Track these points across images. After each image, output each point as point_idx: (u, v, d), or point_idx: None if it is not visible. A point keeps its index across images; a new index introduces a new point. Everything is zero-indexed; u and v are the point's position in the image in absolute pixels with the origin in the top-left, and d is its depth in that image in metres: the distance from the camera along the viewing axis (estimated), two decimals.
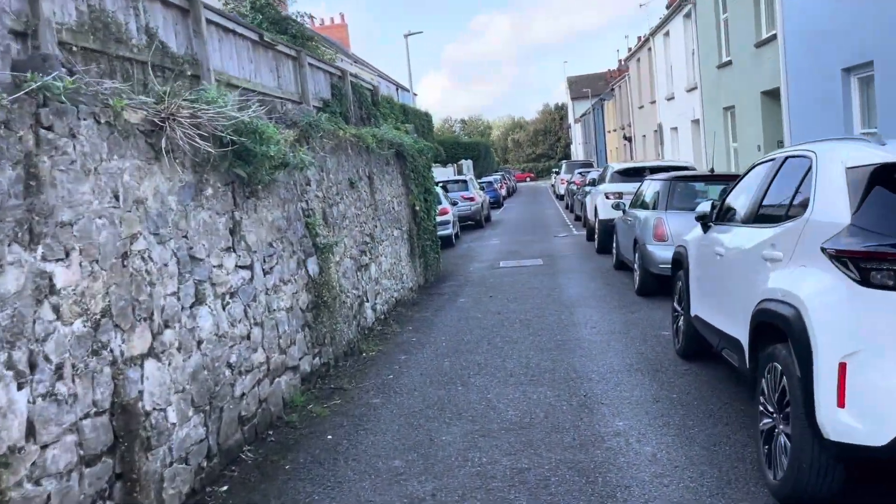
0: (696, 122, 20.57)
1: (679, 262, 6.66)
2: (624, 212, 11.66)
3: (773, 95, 14.08)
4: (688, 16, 20.58)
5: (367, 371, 6.92)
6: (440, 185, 22.53)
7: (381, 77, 38.66)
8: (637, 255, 10.02)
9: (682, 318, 6.60)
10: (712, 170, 9.93)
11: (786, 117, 13.01)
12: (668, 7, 27.18)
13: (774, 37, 13.19)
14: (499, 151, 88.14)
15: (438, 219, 18.53)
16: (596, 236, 15.06)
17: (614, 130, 40.31)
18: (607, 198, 14.35)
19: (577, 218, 23.56)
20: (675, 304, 6.82)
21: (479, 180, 37.66)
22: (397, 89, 40.31)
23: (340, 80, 10.75)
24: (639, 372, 6.23)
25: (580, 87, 64.43)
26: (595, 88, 56.94)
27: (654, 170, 14.39)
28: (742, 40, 15.17)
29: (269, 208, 5.79)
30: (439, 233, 18.48)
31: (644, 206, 10.66)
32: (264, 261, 5.58)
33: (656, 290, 9.70)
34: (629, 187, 14.16)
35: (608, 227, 13.99)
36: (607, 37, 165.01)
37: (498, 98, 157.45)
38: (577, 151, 66.36)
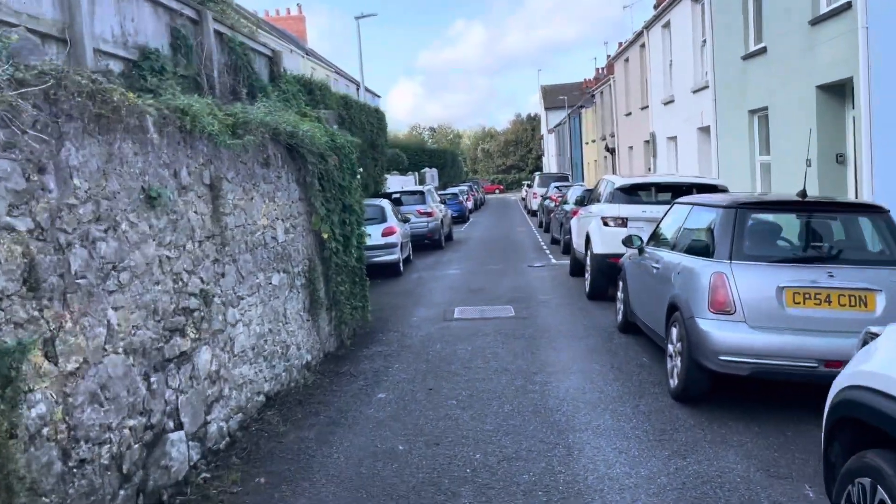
0: (704, 129, 16.76)
1: (853, 409, 2.61)
2: (641, 250, 7.64)
3: (834, 91, 10.26)
4: None
5: None
6: (393, 196, 18.40)
7: (339, 74, 34.45)
8: (676, 332, 5.94)
9: None
10: (803, 193, 5.90)
11: (864, 120, 9.15)
12: (655, 7, 23.36)
13: (848, 6, 9.36)
14: (468, 161, 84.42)
15: (382, 241, 14.36)
16: (587, 275, 11.01)
17: (593, 141, 36.56)
18: (606, 224, 10.34)
19: (555, 241, 19.58)
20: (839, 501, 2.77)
21: (444, 191, 33.66)
22: (357, 89, 36.10)
23: (194, 26, 6.54)
24: None
25: (555, 95, 60.75)
26: (571, 98, 53.26)
27: (670, 188, 10.46)
28: (787, 18, 11.33)
29: None
30: (382, 258, 14.28)
31: (678, 246, 6.64)
32: None
33: (710, 392, 5.70)
34: (637, 210, 10.18)
35: (607, 266, 9.98)
36: (583, 49, 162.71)
37: (470, 108, 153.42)
38: (550, 163, 62.65)
